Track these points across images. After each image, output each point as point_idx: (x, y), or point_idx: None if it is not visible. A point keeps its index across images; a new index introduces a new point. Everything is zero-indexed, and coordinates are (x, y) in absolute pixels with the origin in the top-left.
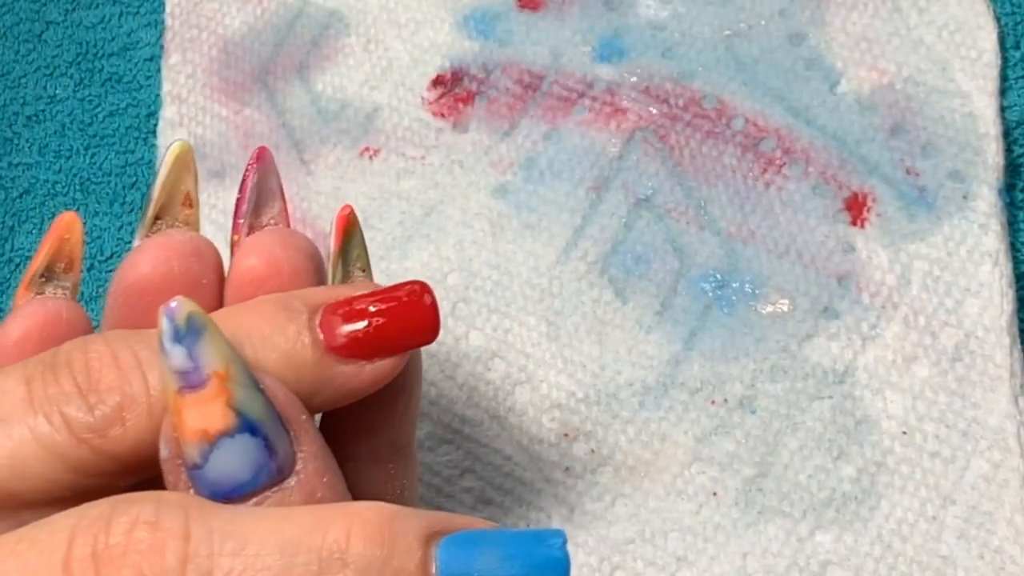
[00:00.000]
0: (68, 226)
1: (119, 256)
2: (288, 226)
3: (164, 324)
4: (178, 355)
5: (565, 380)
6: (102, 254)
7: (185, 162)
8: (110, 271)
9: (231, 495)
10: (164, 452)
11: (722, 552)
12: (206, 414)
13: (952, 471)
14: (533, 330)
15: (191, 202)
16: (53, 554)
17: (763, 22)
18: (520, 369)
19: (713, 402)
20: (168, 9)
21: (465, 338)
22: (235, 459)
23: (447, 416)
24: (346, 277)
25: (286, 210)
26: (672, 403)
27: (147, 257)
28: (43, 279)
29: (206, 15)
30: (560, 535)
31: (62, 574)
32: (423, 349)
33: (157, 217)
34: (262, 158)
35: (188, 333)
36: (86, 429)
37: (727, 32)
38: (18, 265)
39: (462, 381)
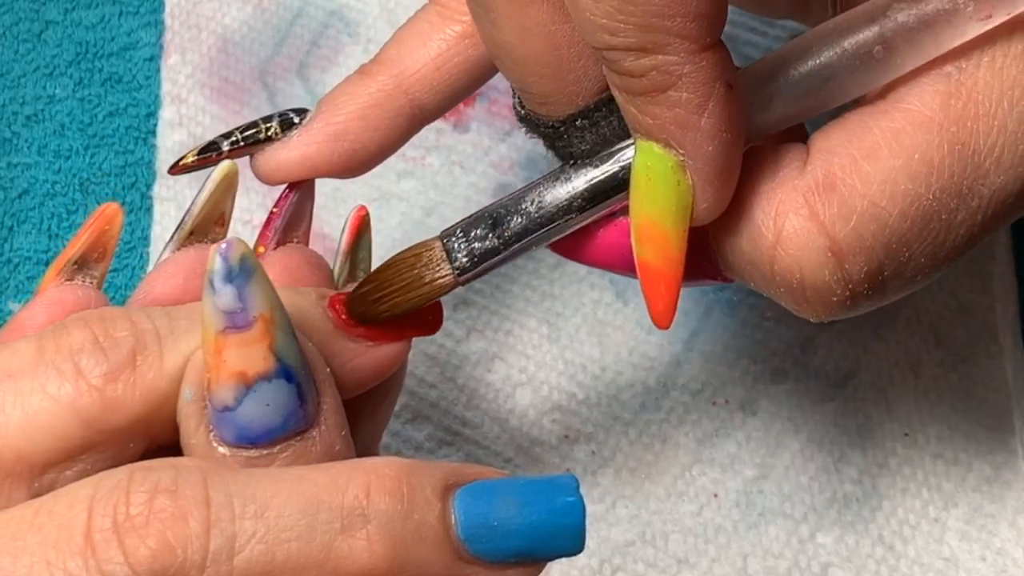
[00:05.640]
0: (110, 218)
1: (117, 256)
2: (307, 245)
3: (217, 263)
4: (228, 295)
5: (566, 382)
6: None
7: (230, 183)
8: (109, 272)
9: (257, 440)
10: (187, 394)
11: (723, 554)
12: (248, 356)
13: (954, 473)
14: (534, 332)
15: (223, 221)
16: (73, 526)
17: (765, 23)
18: (521, 371)
19: (714, 403)
20: (167, 9)
21: (465, 340)
22: (269, 403)
23: (447, 418)
24: (351, 277)
25: (309, 231)
26: (673, 404)
27: (182, 270)
28: (75, 266)
29: (205, 15)
30: (573, 479)
31: (85, 547)
32: (423, 351)
33: (191, 232)
34: (304, 181)
35: (240, 273)
36: (98, 374)
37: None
38: (17, 265)
39: (462, 383)
